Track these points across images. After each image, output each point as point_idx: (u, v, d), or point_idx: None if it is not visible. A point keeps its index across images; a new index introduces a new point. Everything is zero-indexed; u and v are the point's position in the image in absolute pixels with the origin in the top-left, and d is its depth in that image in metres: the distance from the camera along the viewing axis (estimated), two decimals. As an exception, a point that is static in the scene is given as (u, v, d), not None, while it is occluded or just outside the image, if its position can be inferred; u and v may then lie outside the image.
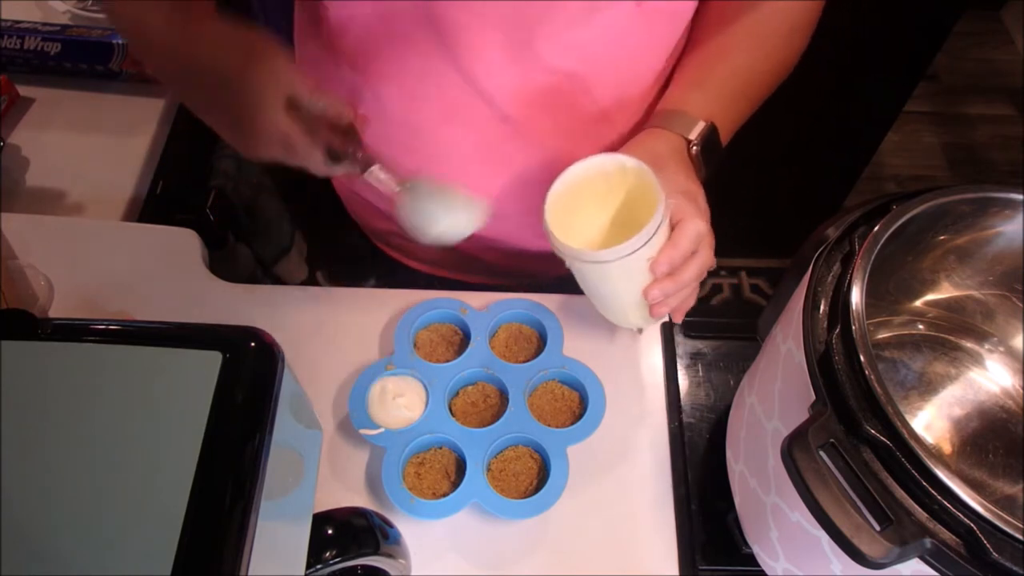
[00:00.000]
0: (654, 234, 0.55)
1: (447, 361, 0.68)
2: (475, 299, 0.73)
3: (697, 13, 0.69)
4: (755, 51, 0.69)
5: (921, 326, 0.60)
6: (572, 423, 0.65)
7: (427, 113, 0.68)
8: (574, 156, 0.70)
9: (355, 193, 0.85)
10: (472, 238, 0.78)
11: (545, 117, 0.68)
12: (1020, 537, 0.36)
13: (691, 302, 0.63)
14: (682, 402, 0.70)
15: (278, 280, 1.21)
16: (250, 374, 0.36)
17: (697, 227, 0.57)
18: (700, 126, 0.64)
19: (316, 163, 0.59)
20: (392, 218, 0.80)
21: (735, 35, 0.69)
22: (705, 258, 0.59)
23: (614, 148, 0.72)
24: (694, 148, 0.64)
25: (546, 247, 0.78)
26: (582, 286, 0.63)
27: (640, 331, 0.70)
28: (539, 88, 0.66)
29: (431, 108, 0.68)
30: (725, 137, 0.67)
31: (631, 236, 0.55)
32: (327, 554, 0.46)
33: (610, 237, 0.63)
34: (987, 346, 0.59)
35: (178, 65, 0.62)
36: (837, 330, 0.43)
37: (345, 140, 0.60)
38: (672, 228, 0.58)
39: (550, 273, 0.84)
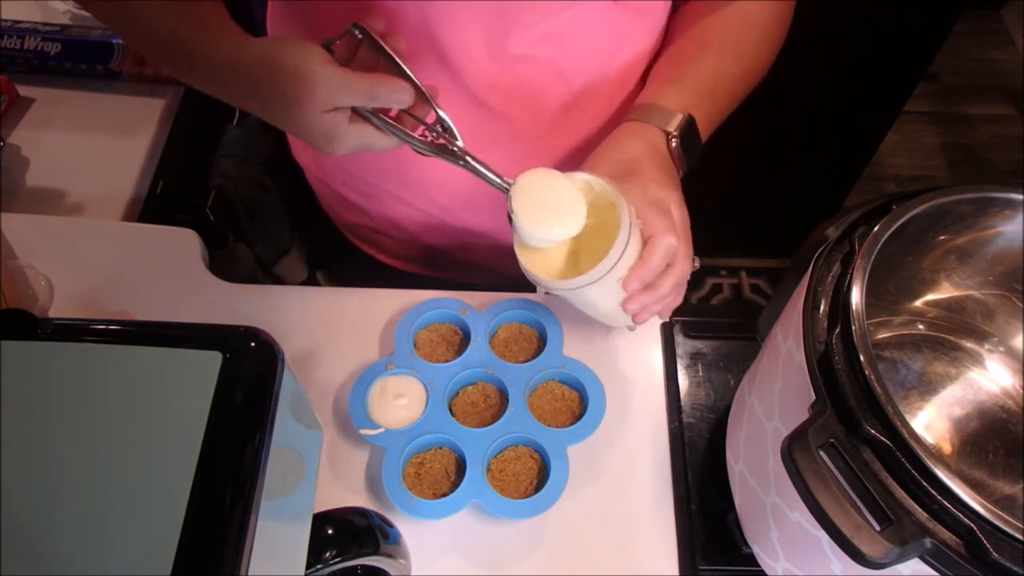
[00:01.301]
0: (619, 258, 0.55)
1: (447, 361, 0.68)
2: (475, 299, 0.73)
3: (672, 17, 0.70)
4: (726, 55, 0.69)
5: (921, 326, 0.60)
6: (572, 423, 0.65)
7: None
8: (548, 143, 0.71)
9: (327, 185, 0.85)
10: (445, 231, 0.78)
11: (519, 103, 0.69)
12: (1020, 537, 0.36)
13: (677, 302, 0.63)
14: (682, 402, 0.70)
15: (278, 280, 1.21)
16: (250, 374, 0.36)
17: (667, 243, 0.57)
18: (678, 118, 0.64)
19: (406, 144, 0.55)
20: (364, 211, 0.81)
21: (708, 39, 0.70)
22: (681, 269, 0.59)
23: (588, 136, 0.72)
24: (674, 141, 0.64)
25: None
26: (573, 304, 0.64)
27: (632, 329, 0.69)
28: (514, 74, 0.66)
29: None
30: (704, 133, 0.67)
31: (602, 247, 0.56)
32: (327, 554, 0.46)
33: (584, 243, 0.62)
34: (987, 346, 0.59)
35: (190, 62, 0.58)
36: (837, 330, 0.43)
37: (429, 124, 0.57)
38: (645, 242, 0.58)
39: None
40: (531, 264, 0.58)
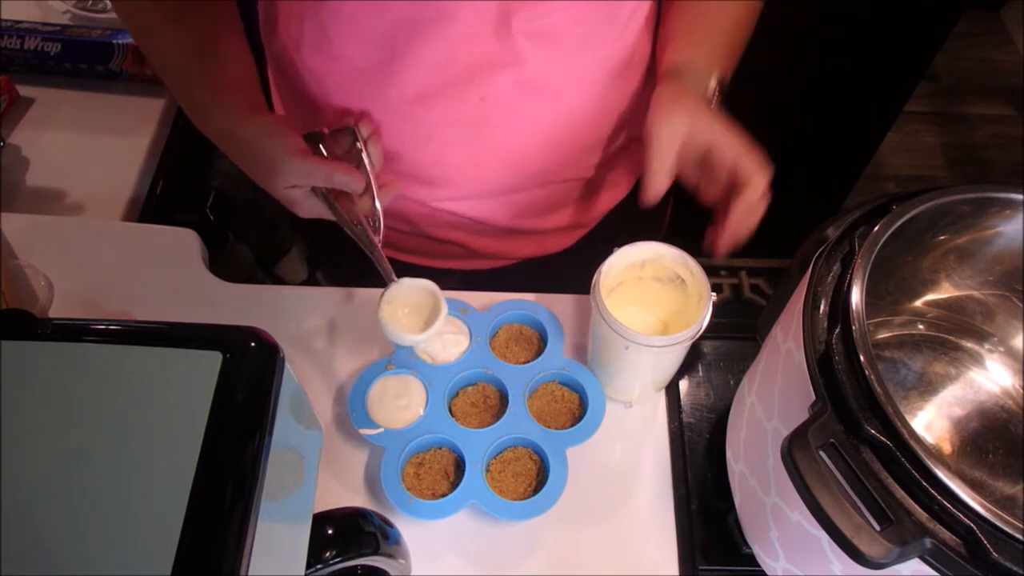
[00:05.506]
0: (702, 327, 0.60)
1: (447, 361, 0.68)
2: (476, 299, 0.73)
3: None
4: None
5: (921, 326, 0.60)
6: (571, 425, 0.65)
7: (404, 93, 0.68)
8: (548, 134, 0.72)
9: None
10: (451, 221, 0.79)
11: (520, 95, 0.69)
12: (1020, 537, 0.36)
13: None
14: (682, 402, 0.70)
15: (278, 280, 1.21)
16: (250, 374, 0.36)
17: (756, 199, 0.59)
18: (713, 82, 0.64)
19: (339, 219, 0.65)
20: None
21: None
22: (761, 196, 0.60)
23: (593, 124, 0.74)
24: (713, 102, 0.64)
25: (520, 224, 0.80)
26: (608, 359, 0.65)
27: (629, 406, 0.70)
28: (517, 67, 0.67)
29: (409, 88, 0.68)
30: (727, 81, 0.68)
31: (682, 310, 0.63)
32: (327, 554, 0.46)
33: (652, 306, 0.67)
34: (987, 346, 0.59)
35: (188, 97, 0.68)
36: (837, 330, 0.43)
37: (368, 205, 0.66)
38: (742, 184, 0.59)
39: (526, 254, 0.87)
40: (618, 314, 0.60)
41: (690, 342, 0.60)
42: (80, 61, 0.97)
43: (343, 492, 0.65)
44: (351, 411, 0.64)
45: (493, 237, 0.82)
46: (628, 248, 0.62)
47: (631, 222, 0.86)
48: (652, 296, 0.66)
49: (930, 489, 0.38)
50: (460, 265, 0.86)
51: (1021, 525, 0.36)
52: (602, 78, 0.71)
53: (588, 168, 0.79)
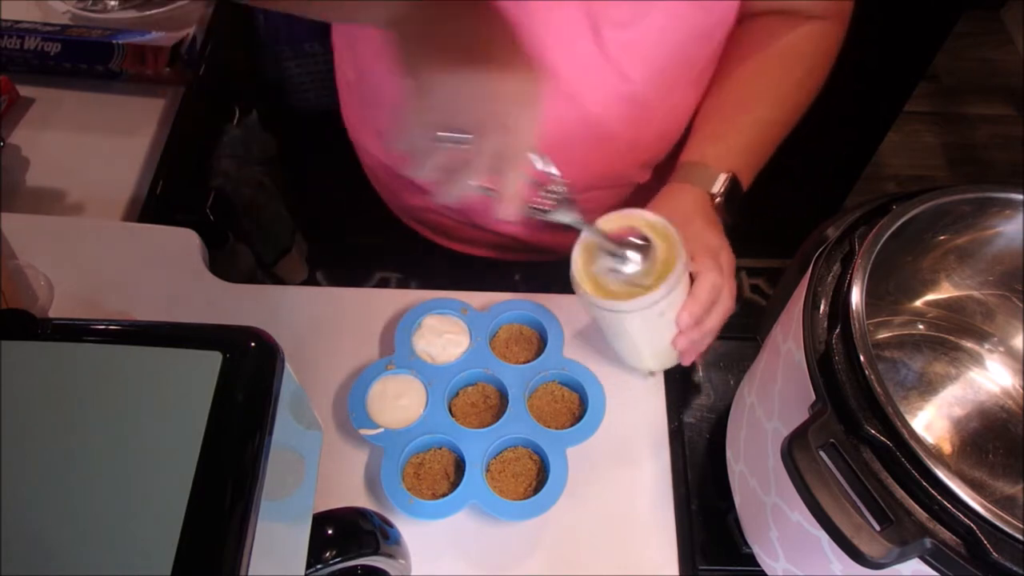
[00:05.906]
0: (672, 290, 0.58)
1: (447, 361, 0.68)
2: (476, 299, 0.73)
3: (720, 61, 0.73)
4: (768, 103, 0.72)
5: (921, 326, 0.60)
6: (572, 424, 0.65)
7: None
8: (610, 132, 0.73)
9: (388, 167, 0.86)
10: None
11: (590, 93, 0.70)
12: (1020, 537, 0.36)
13: (711, 340, 0.66)
14: (682, 402, 0.70)
15: (278, 280, 1.21)
16: (250, 374, 0.36)
17: (712, 280, 0.61)
18: (721, 179, 0.67)
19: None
20: (427, 193, 0.82)
21: (749, 90, 0.72)
22: (725, 306, 0.63)
23: (668, 130, 0.76)
24: (717, 200, 0.67)
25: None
26: (603, 332, 0.67)
27: (652, 374, 0.71)
28: (591, 68, 0.67)
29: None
30: (746, 184, 0.70)
31: (652, 288, 0.59)
32: (327, 554, 0.46)
33: (633, 288, 0.66)
34: (987, 346, 0.59)
35: None
36: (837, 330, 0.43)
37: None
38: (692, 282, 0.61)
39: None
40: (586, 285, 0.60)
41: (664, 301, 0.58)
42: (80, 61, 0.97)
43: (343, 492, 0.65)
44: (351, 411, 0.64)
45: (544, 229, 0.83)
46: (612, 214, 0.61)
47: None
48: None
49: (930, 489, 0.38)
50: (510, 256, 0.88)
51: (1021, 525, 0.36)
52: (685, 86, 0.73)
53: (648, 171, 0.81)
